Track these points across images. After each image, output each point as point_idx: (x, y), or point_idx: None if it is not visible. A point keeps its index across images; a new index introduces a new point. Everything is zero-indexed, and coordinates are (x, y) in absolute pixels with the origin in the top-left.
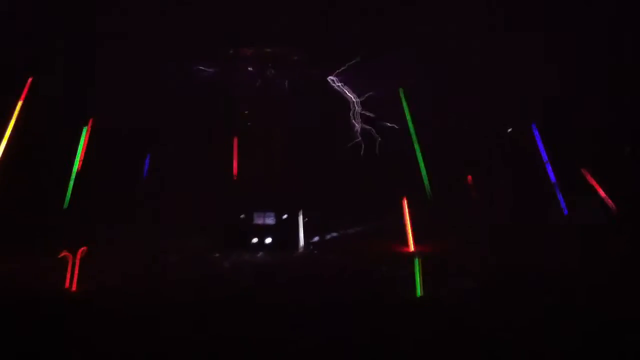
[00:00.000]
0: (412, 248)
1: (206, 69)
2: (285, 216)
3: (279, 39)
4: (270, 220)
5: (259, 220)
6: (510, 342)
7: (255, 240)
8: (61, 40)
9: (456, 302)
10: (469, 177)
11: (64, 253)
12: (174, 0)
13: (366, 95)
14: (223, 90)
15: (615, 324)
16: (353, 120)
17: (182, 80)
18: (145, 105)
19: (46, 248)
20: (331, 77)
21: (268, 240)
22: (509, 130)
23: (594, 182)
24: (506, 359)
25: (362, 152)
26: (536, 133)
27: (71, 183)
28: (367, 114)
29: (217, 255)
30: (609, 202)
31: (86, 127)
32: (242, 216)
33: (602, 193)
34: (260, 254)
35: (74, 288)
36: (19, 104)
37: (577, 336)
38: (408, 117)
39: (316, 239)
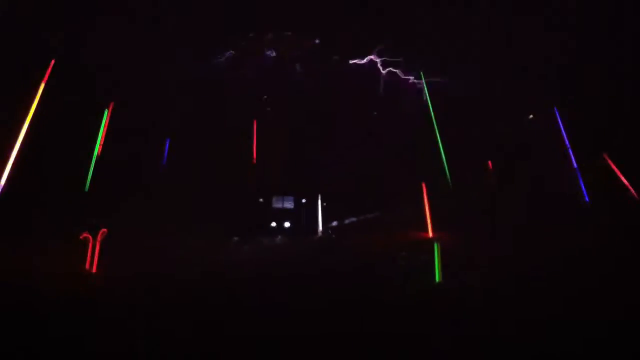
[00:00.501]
0: (430, 234)
1: (225, 54)
2: (304, 200)
3: (297, 24)
4: (289, 205)
5: (277, 204)
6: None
7: (274, 224)
8: (80, 24)
9: (472, 291)
10: (489, 164)
11: (84, 235)
12: None
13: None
14: (241, 76)
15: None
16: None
17: (199, 65)
18: (164, 91)
19: (67, 230)
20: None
21: (287, 224)
22: (530, 117)
23: (615, 169)
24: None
25: (383, 137)
26: (558, 117)
27: (92, 166)
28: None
29: (236, 239)
30: (630, 189)
31: (107, 111)
32: (260, 200)
33: (624, 180)
34: (278, 238)
35: (94, 269)
36: (41, 86)
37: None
38: (428, 101)
39: (334, 223)
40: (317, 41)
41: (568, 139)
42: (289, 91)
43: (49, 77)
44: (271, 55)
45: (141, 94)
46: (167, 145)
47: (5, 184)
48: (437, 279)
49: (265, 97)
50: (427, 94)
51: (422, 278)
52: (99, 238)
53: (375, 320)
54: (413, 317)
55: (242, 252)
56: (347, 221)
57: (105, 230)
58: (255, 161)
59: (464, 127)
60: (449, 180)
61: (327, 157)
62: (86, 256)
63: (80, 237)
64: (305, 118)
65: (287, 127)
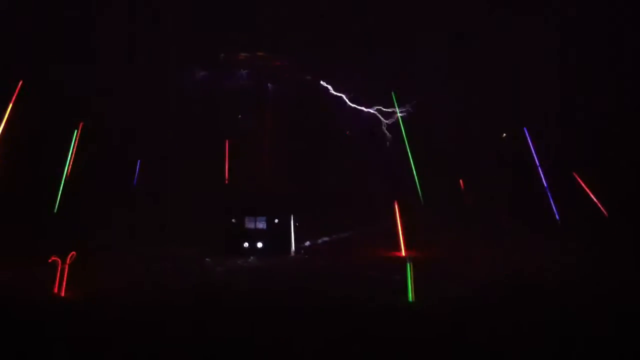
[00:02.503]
0: (403, 253)
1: (198, 73)
2: (276, 220)
3: (271, 44)
4: (261, 225)
5: (250, 224)
6: (501, 351)
7: (246, 244)
8: (52, 43)
9: (448, 308)
10: (461, 182)
11: (53, 258)
12: (167, 5)
13: (357, 98)
14: (215, 95)
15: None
16: (346, 125)
17: (174, 84)
18: (137, 109)
19: (36, 253)
20: (324, 82)
21: (259, 244)
22: (504, 135)
23: (584, 186)
24: None
25: (355, 156)
26: (528, 137)
27: (61, 187)
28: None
29: (208, 260)
30: (600, 206)
31: (76, 131)
32: (233, 220)
33: (593, 197)
34: (251, 258)
35: (62, 293)
36: (9, 107)
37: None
38: (400, 120)
39: (307, 243)
40: (287, 62)
41: (538, 158)
42: (264, 111)
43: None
44: (244, 74)
45: (112, 114)
46: (138, 166)
47: None
48: (410, 299)
49: (239, 116)
50: (399, 114)
51: (396, 297)
52: (68, 261)
53: (347, 339)
54: (386, 337)
55: (216, 272)
56: (320, 241)
57: (74, 253)
58: (227, 181)
59: (436, 145)
60: (421, 197)
61: (301, 176)
62: (55, 279)
63: (49, 260)
64: (279, 138)
65: (261, 147)
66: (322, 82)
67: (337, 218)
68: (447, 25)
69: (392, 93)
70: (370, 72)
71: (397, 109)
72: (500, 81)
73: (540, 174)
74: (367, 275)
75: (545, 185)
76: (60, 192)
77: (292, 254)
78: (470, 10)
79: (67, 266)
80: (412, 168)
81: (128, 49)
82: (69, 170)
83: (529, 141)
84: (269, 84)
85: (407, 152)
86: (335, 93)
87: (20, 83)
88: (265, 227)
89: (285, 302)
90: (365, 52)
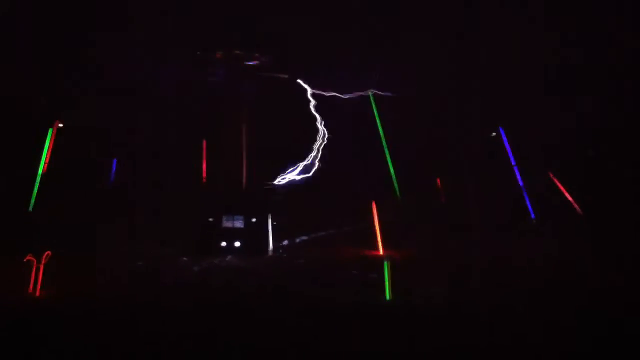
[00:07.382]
0: (381, 252)
1: (175, 71)
2: (254, 219)
3: (248, 42)
4: (239, 224)
5: (227, 223)
6: (478, 346)
7: (224, 243)
8: (27, 37)
9: (424, 307)
10: (438, 180)
11: (28, 257)
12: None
13: (336, 96)
14: (192, 93)
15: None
16: (322, 124)
17: (151, 82)
18: (114, 107)
19: (10, 252)
20: (300, 80)
21: (237, 244)
22: (493, 134)
23: (560, 186)
24: None
25: (332, 155)
26: (504, 137)
27: (36, 185)
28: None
29: (184, 259)
30: (575, 205)
31: (52, 129)
32: (210, 219)
33: (568, 196)
34: (228, 257)
35: (37, 293)
36: None
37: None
38: (378, 120)
39: (285, 242)
40: (264, 60)
41: (514, 157)
42: (240, 109)
43: None
44: (220, 72)
45: (88, 111)
46: (114, 164)
47: None
48: (387, 297)
49: (215, 114)
50: (376, 112)
51: (373, 296)
52: (43, 260)
53: (327, 337)
54: (365, 335)
55: (191, 272)
56: (298, 240)
57: (49, 252)
58: (205, 180)
59: (413, 144)
60: (399, 196)
61: (279, 175)
62: (29, 279)
63: (24, 260)
64: (257, 136)
65: (238, 145)
66: (299, 80)
67: (316, 217)
68: (426, 22)
69: (370, 94)
70: (349, 70)
71: (374, 108)
72: (478, 80)
73: (516, 173)
74: (344, 274)
75: (521, 184)
76: (35, 190)
77: (270, 253)
78: (449, 7)
79: (42, 266)
80: (389, 167)
81: (104, 46)
82: (45, 168)
83: (505, 141)
84: (245, 82)
85: (385, 151)
86: (313, 91)
87: None
88: (242, 226)
89: (262, 300)
90: (343, 50)
